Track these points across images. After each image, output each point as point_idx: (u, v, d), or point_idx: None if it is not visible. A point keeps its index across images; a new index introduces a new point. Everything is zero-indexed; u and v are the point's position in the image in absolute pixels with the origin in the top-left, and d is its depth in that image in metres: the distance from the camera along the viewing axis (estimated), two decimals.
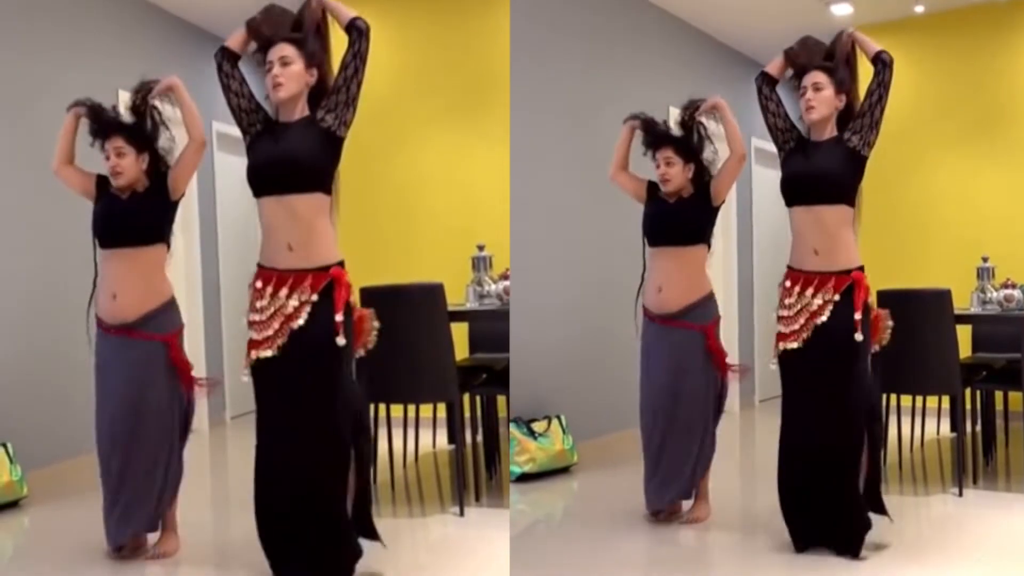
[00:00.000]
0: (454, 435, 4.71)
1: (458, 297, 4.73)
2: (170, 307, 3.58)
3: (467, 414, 4.60)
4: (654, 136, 4.04)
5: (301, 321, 3.12)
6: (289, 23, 3.25)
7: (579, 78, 5.79)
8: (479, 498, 4.48)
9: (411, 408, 5.21)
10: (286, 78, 3.17)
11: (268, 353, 3.15)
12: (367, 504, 3.35)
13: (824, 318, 3.47)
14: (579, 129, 5.76)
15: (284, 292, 3.14)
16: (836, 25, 7.00)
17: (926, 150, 7.01)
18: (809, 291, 3.51)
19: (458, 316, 4.50)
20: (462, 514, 4.19)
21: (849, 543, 3.49)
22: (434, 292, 4.18)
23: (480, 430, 4.92)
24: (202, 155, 3.59)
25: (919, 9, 6.69)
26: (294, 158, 3.14)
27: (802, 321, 3.52)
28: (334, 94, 3.19)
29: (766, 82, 3.74)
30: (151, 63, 6.05)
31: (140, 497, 3.53)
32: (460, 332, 4.73)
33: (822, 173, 3.51)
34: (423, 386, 4.22)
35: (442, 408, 5.45)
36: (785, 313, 3.57)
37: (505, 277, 4.80)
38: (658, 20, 6.51)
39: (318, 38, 3.25)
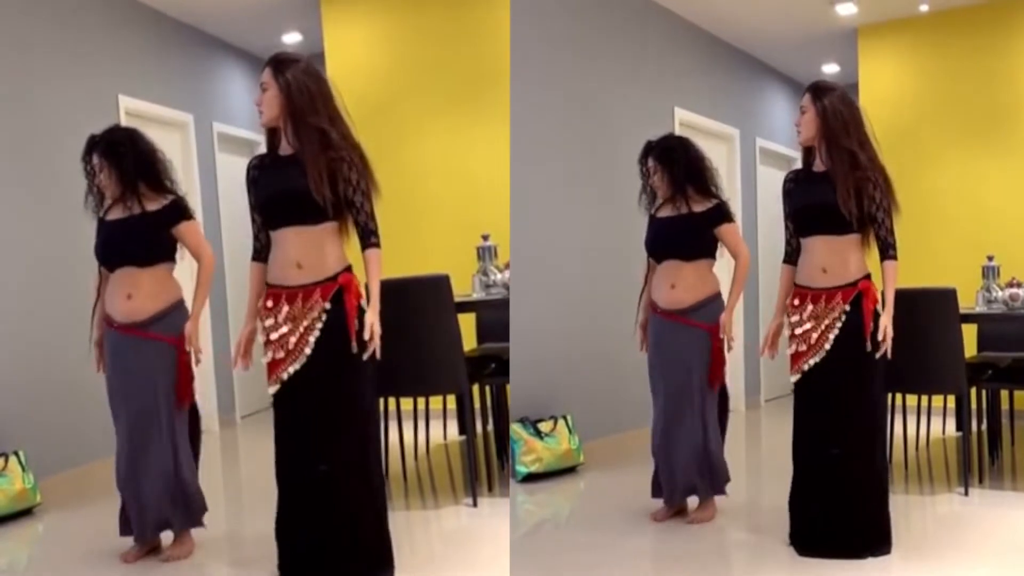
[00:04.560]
0: (465, 426, 4.74)
1: (464, 288, 4.74)
2: (179, 308, 3.64)
3: (477, 404, 4.58)
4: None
5: (318, 332, 3.15)
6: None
7: (579, 73, 5.79)
8: (491, 488, 4.50)
9: (421, 400, 5.20)
10: (264, 104, 3.23)
11: (296, 367, 3.17)
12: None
13: (837, 331, 3.51)
14: (580, 122, 5.76)
15: (296, 307, 3.17)
16: (840, 24, 7.02)
17: (931, 149, 7.01)
18: (820, 306, 3.54)
19: (465, 307, 4.51)
20: (475, 505, 4.22)
21: (882, 542, 3.53)
22: (440, 284, 4.19)
23: (491, 420, 4.91)
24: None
25: (924, 8, 6.70)
26: (300, 194, 3.17)
27: (816, 336, 3.54)
28: (352, 188, 3.21)
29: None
30: (152, 68, 6.11)
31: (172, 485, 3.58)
32: (467, 322, 4.73)
33: (831, 205, 3.53)
34: (433, 378, 4.23)
35: (452, 399, 5.47)
36: (798, 331, 3.59)
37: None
38: (660, 18, 6.52)
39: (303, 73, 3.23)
